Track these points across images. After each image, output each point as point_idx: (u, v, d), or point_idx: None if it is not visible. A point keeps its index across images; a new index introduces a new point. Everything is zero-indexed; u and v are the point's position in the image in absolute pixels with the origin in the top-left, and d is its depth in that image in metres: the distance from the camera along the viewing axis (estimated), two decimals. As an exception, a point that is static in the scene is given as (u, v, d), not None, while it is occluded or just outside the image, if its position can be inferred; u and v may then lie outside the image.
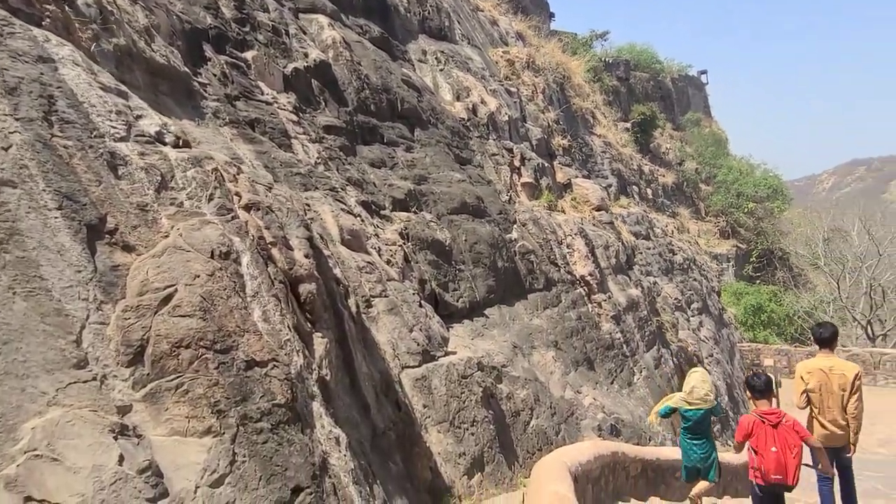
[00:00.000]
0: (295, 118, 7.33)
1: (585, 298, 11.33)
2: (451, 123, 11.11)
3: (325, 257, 4.73)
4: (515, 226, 10.96)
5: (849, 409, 5.55)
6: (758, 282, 38.42)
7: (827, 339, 5.95)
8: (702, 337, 20.30)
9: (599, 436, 8.61)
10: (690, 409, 6.09)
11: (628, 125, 36.60)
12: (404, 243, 7.68)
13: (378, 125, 9.07)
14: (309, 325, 3.90)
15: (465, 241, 9.21)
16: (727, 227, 40.71)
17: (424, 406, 5.72)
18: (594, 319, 11.15)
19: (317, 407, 3.49)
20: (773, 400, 6.31)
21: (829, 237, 35.89)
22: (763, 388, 5.23)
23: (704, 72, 54.70)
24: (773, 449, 4.73)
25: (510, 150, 12.51)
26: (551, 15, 35.25)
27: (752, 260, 40.03)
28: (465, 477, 5.79)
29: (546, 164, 13.72)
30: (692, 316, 21.26)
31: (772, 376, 6.26)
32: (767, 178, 42.35)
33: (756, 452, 4.83)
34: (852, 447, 5.77)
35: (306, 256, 4.15)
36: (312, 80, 8.08)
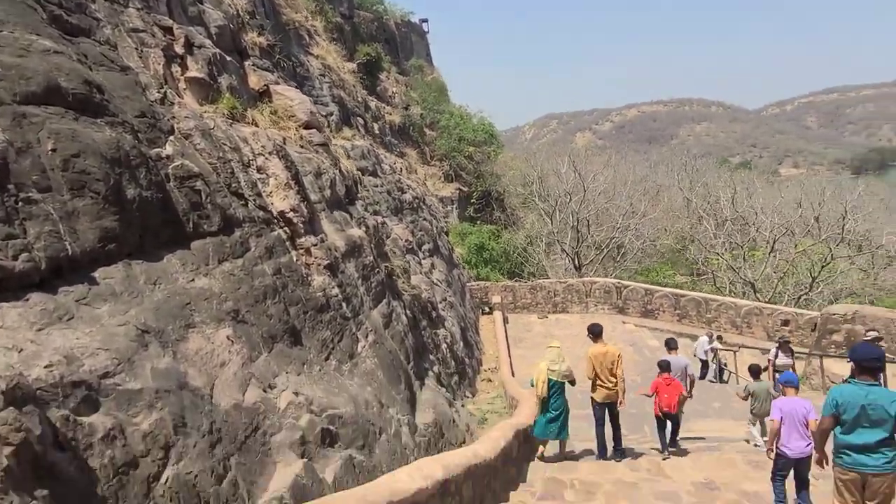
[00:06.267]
0: None
1: (287, 244, 8.02)
2: (44, -34, 6.62)
3: None
4: (172, 137, 7.08)
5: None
6: (479, 222, 39.68)
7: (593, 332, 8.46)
8: (434, 280, 18.59)
9: (303, 453, 5.51)
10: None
11: (354, 66, 34.03)
12: None
13: None
14: None
15: (53, 151, 5.16)
16: (450, 170, 41.54)
17: None
18: (301, 272, 7.93)
19: None
20: None
21: (543, 175, 37.83)
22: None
23: (426, 20, 54.98)
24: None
25: (168, 30, 8.39)
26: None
27: (472, 201, 41.36)
28: None
29: (232, 62, 9.86)
30: (424, 258, 19.45)
31: None
32: (484, 125, 44.57)
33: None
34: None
35: None
36: None
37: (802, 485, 5.81)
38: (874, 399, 3.99)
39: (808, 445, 5.61)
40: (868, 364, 4.10)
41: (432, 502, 4.70)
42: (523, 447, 8.16)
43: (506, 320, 24.87)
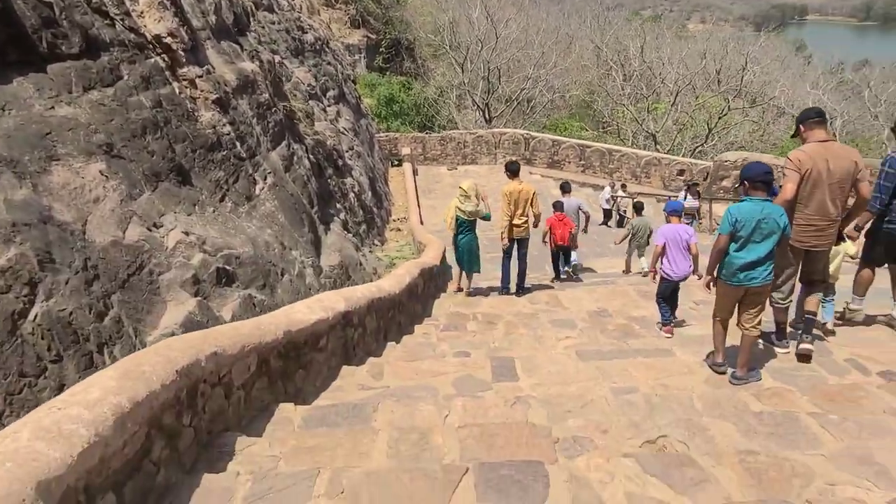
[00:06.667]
0: None
1: (168, 74, 7.18)
2: None
3: None
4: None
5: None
6: (388, 73, 38.06)
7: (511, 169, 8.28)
8: (341, 128, 17.82)
9: (196, 292, 5.26)
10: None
11: None
12: None
13: None
14: None
15: None
16: (357, 15, 38.88)
17: None
18: (186, 107, 7.19)
19: None
20: None
21: (454, 21, 36.04)
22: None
23: None
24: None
25: None
26: None
27: (381, 50, 39.38)
28: None
29: None
30: (329, 105, 18.45)
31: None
32: (392, -37, 40.96)
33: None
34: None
35: None
36: None
37: (676, 304, 6.31)
38: (768, 213, 4.14)
39: (689, 267, 6.05)
40: (761, 178, 4.19)
41: (334, 333, 4.66)
42: (429, 285, 8.30)
43: (415, 172, 24.67)
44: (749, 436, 3.21)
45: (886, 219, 5.15)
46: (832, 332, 5.33)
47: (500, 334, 6.32)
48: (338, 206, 12.27)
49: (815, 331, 4.88)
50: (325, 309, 4.55)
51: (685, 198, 13.21)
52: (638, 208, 10.69)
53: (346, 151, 16.76)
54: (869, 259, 5.41)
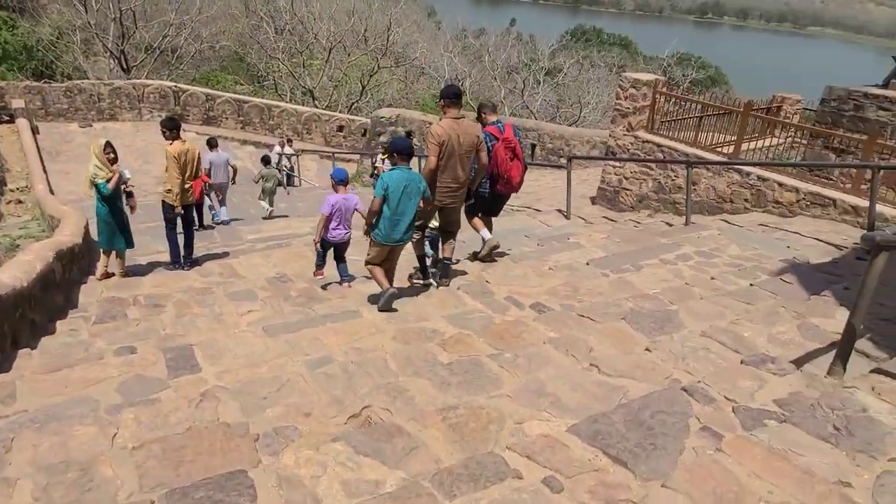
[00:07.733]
0: None
1: None
2: None
3: None
4: None
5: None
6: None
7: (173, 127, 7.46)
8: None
9: None
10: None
11: None
12: None
13: None
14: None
15: None
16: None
17: None
18: None
19: None
20: None
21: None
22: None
23: None
24: None
25: None
26: None
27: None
28: None
29: None
30: None
31: None
32: None
33: None
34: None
35: None
36: None
37: (341, 260, 6.79)
38: (411, 179, 5.03)
39: (346, 234, 6.63)
40: (407, 152, 5.11)
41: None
42: (70, 268, 6.87)
43: (35, 130, 20.46)
44: (444, 389, 3.33)
45: (479, 186, 6.41)
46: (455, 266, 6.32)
47: (170, 318, 5.55)
48: (-80, 176, 9.34)
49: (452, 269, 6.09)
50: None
51: (383, 161, 14.39)
52: (265, 161, 12.56)
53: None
54: (472, 212, 6.76)
